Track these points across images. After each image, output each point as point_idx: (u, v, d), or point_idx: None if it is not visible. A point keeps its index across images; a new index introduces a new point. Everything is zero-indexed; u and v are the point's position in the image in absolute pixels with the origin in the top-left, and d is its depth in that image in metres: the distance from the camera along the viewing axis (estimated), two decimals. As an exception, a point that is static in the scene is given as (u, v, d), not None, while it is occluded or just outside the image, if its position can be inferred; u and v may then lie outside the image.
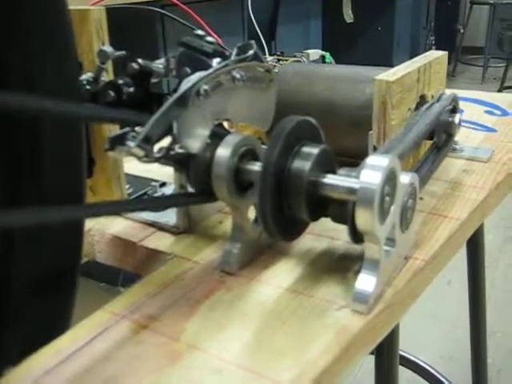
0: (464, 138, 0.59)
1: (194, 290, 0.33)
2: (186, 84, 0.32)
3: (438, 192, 0.46)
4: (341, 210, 0.32)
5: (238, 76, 0.35)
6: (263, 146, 0.35)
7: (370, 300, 0.31)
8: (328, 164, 0.32)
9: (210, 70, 0.33)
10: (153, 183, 0.46)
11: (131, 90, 0.35)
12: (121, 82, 0.35)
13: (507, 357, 1.42)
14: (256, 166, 0.33)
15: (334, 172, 0.32)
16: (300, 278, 0.35)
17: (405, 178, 0.32)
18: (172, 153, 0.37)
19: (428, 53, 0.52)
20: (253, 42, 0.37)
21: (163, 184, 0.48)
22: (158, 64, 0.38)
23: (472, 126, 0.64)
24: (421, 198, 0.44)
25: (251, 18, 1.85)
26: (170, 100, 0.31)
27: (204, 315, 0.31)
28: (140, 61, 0.38)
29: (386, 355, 0.57)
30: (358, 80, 0.49)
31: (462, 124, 0.65)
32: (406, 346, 0.92)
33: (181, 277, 0.35)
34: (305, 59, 0.84)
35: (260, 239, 0.37)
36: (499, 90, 3.64)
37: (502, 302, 1.63)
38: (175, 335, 0.29)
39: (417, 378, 1.09)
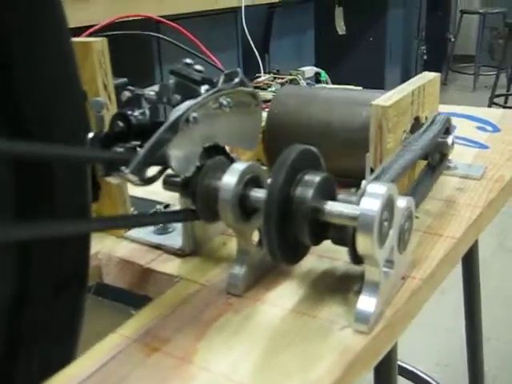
0: (457, 154, 0.60)
1: (202, 312, 0.35)
2: (176, 112, 0.34)
3: (434, 210, 0.48)
4: (341, 233, 0.34)
5: (224, 102, 0.37)
6: (264, 167, 0.36)
7: (370, 320, 0.32)
8: (329, 191, 0.34)
9: (199, 99, 0.35)
10: (158, 206, 0.47)
11: (139, 118, 0.37)
12: (129, 112, 0.37)
13: (503, 364, 1.43)
14: (260, 193, 0.35)
15: (334, 199, 0.33)
16: (303, 298, 0.36)
17: (402, 203, 0.34)
18: (171, 179, 0.38)
19: (421, 75, 0.54)
20: (239, 69, 0.39)
21: (167, 206, 0.50)
22: (150, 91, 0.40)
23: (465, 143, 0.66)
24: (416, 217, 0.46)
25: (245, 32, 1.87)
26: (161, 129, 0.32)
27: (213, 337, 0.32)
28: (132, 88, 0.40)
29: (385, 367, 0.58)
30: (355, 103, 0.51)
31: (456, 140, 0.67)
32: (403, 355, 0.94)
33: (189, 299, 0.36)
34: (300, 77, 0.86)
35: (263, 261, 0.38)
36: (490, 98, 3.68)
37: (496, 308, 1.64)
38: (187, 357, 0.31)
39: (415, 388, 1.10)
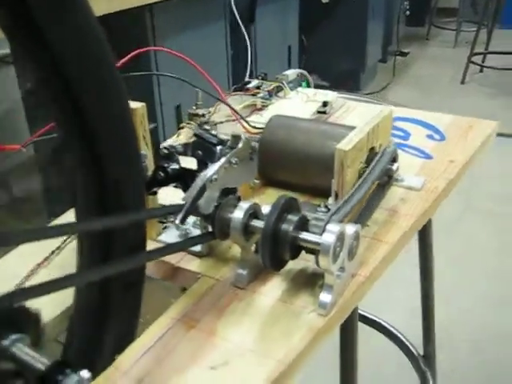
0: (407, 165, 0.76)
1: (219, 300, 0.53)
2: (203, 178, 0.50)
3: (380, 219, 0.65)
4: (310, 249, 0.52)
5: (233, 161, 0.53)
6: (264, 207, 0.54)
7: (328, 307, 0.50)
8: (303, 225, 0.51)
9: (218, 164, 0.51)
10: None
11: (174, 168, 0.54)
12: (166, 165, 0.53)
13: (463, 324, 1.67)
14: (257, 223, 0.52)
15: (307, 230, 0.51)
16: (285, 290, 0.54)
17: (350, 230, 0.52)
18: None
19: (379, 111, 0.70)
20: (241, 135, 0.55)
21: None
22: (178, 146, 0.57)
23: (414, 153, 0.83)
24: (367, 225, 0.64)
25: (231, 6, 1.98)
26: (194, 191, 0.49)
27: (228, 318, 0.51)
28: (167, 146, 0.56)
29: (347, 324, 0.77)
30: (328, 136, 0.67)
31: (407, 150, 0.84)
32: (370, 306, 1.14)
33: (209, 291, 0.54)
34: (285, 82, 1.01)
35: (258, 264, 0.56)
36: (469, 57, 3.77)
37: (457, 272, 1.87)
38: (212, 332, 0.49)
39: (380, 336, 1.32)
